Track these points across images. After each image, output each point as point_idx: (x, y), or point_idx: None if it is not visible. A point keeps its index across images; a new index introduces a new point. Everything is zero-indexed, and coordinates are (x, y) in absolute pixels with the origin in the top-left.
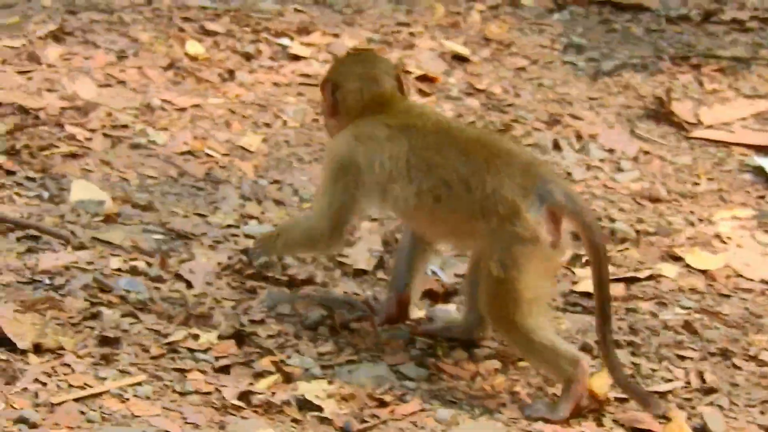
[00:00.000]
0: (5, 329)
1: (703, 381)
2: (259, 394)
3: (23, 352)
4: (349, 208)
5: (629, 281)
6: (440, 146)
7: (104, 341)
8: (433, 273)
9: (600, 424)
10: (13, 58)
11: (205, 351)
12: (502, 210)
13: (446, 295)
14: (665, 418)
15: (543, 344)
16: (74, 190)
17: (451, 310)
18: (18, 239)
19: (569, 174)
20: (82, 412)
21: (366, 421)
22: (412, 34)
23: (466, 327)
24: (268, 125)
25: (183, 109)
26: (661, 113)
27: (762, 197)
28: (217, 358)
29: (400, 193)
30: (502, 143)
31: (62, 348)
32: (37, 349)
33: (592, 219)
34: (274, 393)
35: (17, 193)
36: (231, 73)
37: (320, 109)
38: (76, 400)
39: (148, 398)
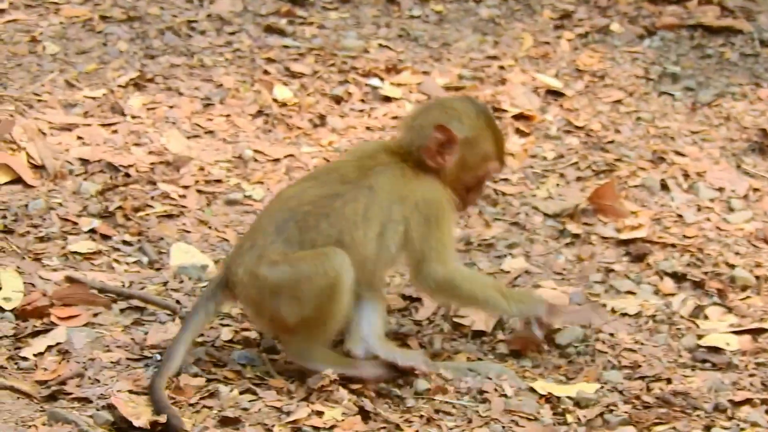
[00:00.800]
0: (122, 411)
1: None
2: None
3: None
4: None
5: (756, 332)
6: None
7: (225, 421)
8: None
9: None
10: (95, 109)
11: (330, 429)
12: None
13: None
14: None
15: None
16: (174, 254)
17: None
18: (122, 310)
19: (680, 216)
20: None
21: None
22: (502, 67)
23: None
24: None
25: (276, 160)
26: (765, 145)
27: None
28: None
29: None
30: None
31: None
32: (156, 425)
33: None
34: None
35: (116, 260)
36: (322, 118)
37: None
38: None
39: None
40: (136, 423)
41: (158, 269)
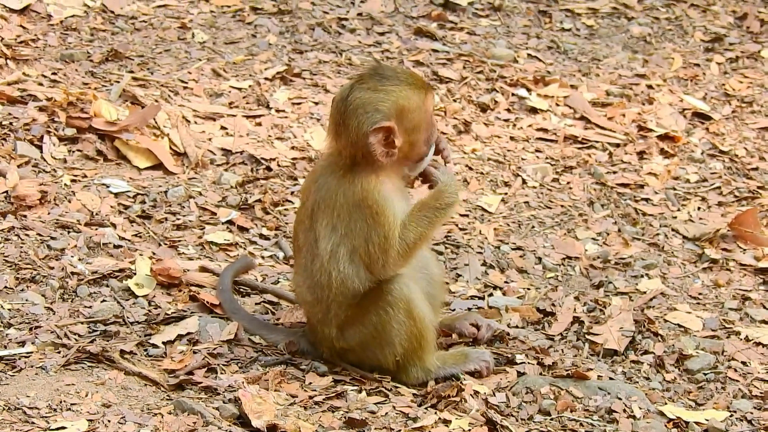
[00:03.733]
0: (245, 407)
1: None
2: None
3: None
4: None
5: None
6: None
7: (350, 423)
8: None
9: None
10: (240, 100)
11: None
12: None
13: None
14: None
15: None
16: None
17: None
18: (256, 304)
19: None
20: None
21: None
22: (650, 86)
23: None
24: (507, 184)
25: None
26: None
27: None
28: None
29: None
30: None
31: (301, 430)
32: (275, 429)
33: None
34: None
35: (251, 253)
36: (467, 125)
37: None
38: None
39: None
40: (255, 423)
41: (293, 265)
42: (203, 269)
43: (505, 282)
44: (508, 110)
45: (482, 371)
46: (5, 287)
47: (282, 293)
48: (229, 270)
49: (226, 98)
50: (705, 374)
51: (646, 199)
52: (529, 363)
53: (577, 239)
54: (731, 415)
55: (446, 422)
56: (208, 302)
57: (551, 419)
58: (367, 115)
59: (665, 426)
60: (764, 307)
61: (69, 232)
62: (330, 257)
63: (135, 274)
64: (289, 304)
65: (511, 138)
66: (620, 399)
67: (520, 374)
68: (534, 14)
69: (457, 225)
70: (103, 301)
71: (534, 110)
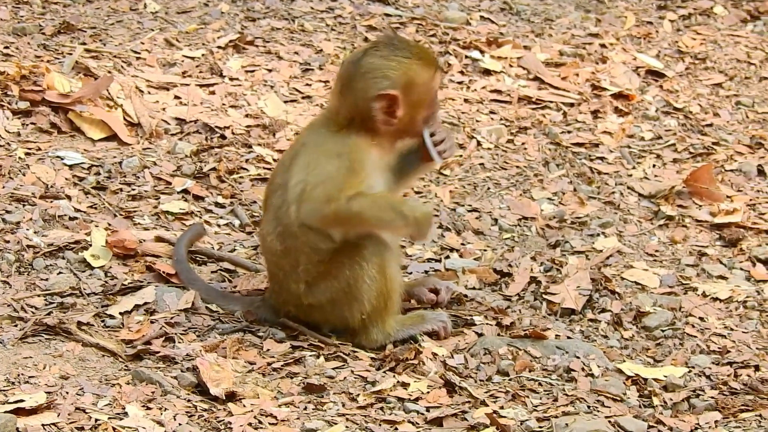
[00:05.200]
0: (203, 375)
1: None
2: None
3: (224, 401)
4: None
5: None
6: None
7: (309, 389)
8: None
9: None
10: (193, 69)
11: (415, 401)
12: None
13: None
14: None
15: None
16: None
17: None
18: (212, 272)
19: None
20: None
21: None
22: (603, 45)
23: None
24: (462, 146)
25: None
26: None
27: None
28: (428, 409)
29: None
30: None
31: (260, 396)
32: (233, 397)
33: None
34: None
35: (207, 222)
36: None
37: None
38: None
39: None
40: (213, 391)
41: (250, 233)
42: (159, 239)
43: (462, 244)
44: (462, 72)
45: (440, 332)
46: None
47: (238, 261)
48: (183, 239)
49: (179, 68)
50: (663, 331)
51: (601, 158)
52: (487, 324)
53: (533, 199)
54: (689, 371)
55: (405, 385)
56: (164, 272)
57: (510, 380)
58: (374, 81)
59: (624, 383)
60: (721, 263)
61: (24, 205)
62: (295, 195)
63: (91, 245)
64: (246, 272)
65: (465, 100)
66: (578, 358)
67: (478, 335)
68: None
69: (412, 188)
70: (60, 273)
71: (487, 72)
